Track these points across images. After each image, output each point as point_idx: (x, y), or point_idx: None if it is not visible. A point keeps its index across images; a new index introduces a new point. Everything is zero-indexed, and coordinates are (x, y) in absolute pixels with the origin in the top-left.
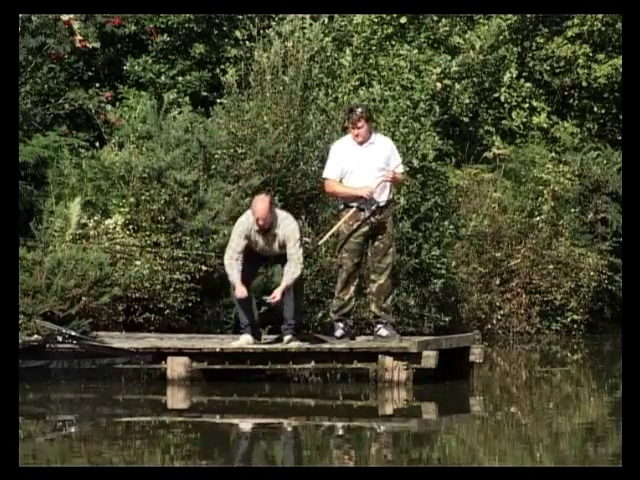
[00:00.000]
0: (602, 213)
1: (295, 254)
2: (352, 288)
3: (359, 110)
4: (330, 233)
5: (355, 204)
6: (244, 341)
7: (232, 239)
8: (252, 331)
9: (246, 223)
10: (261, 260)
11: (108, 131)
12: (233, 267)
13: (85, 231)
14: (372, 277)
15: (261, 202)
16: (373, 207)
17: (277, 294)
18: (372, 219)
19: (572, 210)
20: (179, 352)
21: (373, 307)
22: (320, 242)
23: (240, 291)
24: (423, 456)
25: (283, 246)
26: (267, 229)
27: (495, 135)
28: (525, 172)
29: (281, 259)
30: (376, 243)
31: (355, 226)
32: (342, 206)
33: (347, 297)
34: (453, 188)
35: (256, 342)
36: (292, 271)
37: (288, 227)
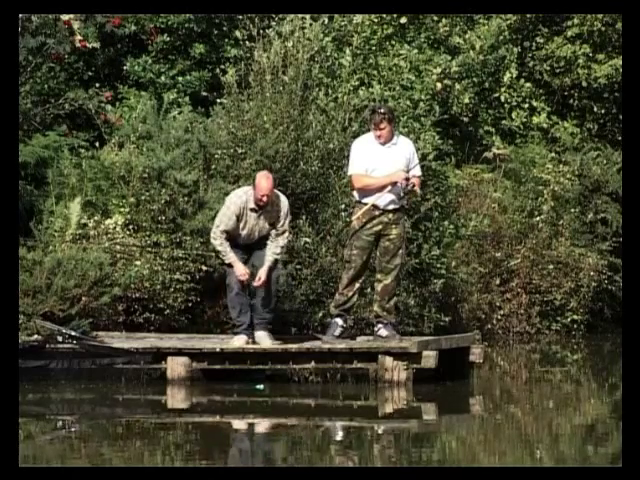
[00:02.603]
0: (602, 213)
1: (286, 228)
2: (357, 285)
3: (382, 111)
4: (362, 211)
5: (371, 200)
6: (242, 341)
7: (222, 217)
8: (248, 332)
9: (239, 202)
10: (242, 253)
11: (108, 131)
12: (226, 245)
13: (85, 231)
14: (378, 277)
15: (266, 179)
16: (389, 207)
17: (262, 274)
18: (385, 218)
19: (572, 210)
20: (179, 352)
21: (376, 307)
22: (353, 217)
23: (241, 270)
24: (423, 456)
25: (272, 224)
26: (264, 206)
27: (495, 135)
28: (525, 172)
29: (260, 245)
30: (386, 243)
31: (368, 225)
32: (355, 201)
33: (350, 294)
34: (453, 188)
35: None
36: (278, 244)
37: (283, 202)
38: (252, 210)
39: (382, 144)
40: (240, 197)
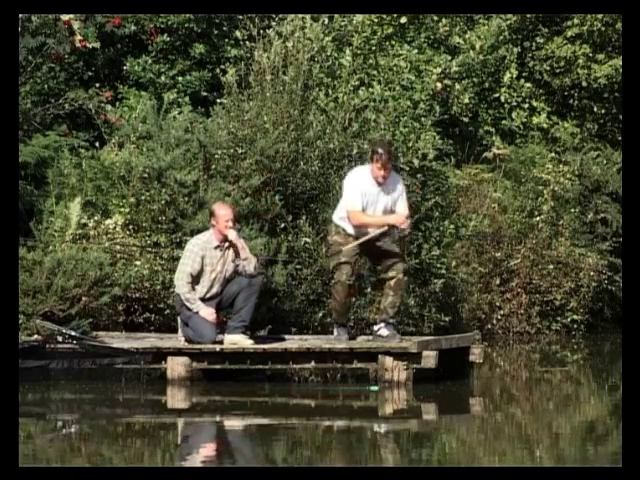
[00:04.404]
0: (602, 213)
1: (250, 255)
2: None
3: (387, 150)
4: (356, 243)
5: (364, 238)
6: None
7: (187, 261)
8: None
9: (200, 242)
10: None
11: (108, 131)
12: (193, 293)
13: (85, 231)
14: (390, 274)
15: (224, 205)
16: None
17: (235, 236)
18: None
19: (572, 210)
20: (179, 352)
21: (387, 302)
22: (344, 248)
23: (208, 311)
24: (423, 456)
25: (233, 261)
26: (226, 239)
27: (495, 135)
28: (525, 172)
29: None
30: (378, 244)
31: (352, 252)
32: (339, 226)
33: (350, 299)
34: (453, 188)
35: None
36: (250, 266)
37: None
38: (216, 248)
39: (379, 184)
40: (200, 239)
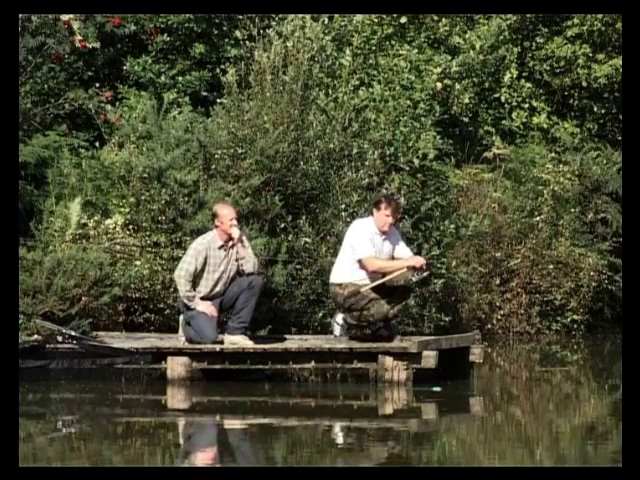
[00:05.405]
0: (602, 213)
1: (252, 254)
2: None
3: (395, 199)
4: (376, 284)
5: (382, 280)
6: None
7: (188, 259)
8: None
9: (205, 242)
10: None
11: (108, 131)
12: (193, 290)
13: (85, 231)
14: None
15: (226, 205)
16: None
17: (239, 235)
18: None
19: (572, 210)
20: (179, 352)
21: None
22: (363, 289)
23: (206, 305)
24: (423, 456)
25: (237, 258)
26: (230, 238)
27: (495, 135)
28: (525, 172)
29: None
30: (391, 284)
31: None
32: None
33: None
34: (453, 188)
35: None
36: (249, 266)
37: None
38: (220, 248)
39: (383, 233)
40: (204, 238)
